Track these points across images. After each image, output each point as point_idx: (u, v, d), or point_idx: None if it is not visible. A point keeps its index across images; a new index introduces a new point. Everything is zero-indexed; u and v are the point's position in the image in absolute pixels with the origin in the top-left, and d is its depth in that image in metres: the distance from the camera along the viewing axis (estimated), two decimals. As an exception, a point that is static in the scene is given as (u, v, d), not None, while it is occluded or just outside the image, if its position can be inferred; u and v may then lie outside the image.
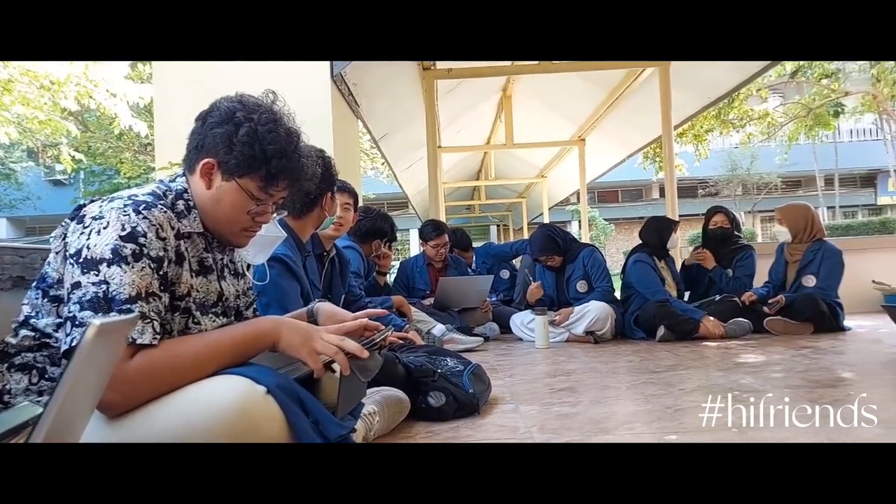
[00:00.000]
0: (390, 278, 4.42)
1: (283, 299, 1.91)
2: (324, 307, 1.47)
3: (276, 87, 1.30)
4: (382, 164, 12.95)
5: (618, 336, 3.74)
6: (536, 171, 10.88)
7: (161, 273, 1.11)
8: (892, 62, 11.12)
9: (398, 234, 3.73)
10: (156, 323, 1.08)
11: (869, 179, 23.76)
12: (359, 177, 5.09)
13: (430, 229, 4.17)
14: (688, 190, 21.44)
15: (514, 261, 5.21)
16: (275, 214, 1.32)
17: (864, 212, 23.53)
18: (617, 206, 24.67)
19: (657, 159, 11.57)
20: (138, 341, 1.04)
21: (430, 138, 5.40)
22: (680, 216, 4.95)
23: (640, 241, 4.03)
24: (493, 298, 4.66)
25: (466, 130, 8.54)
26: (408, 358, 1.94)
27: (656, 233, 3.97)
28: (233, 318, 1.32)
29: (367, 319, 1.33)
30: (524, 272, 4.57)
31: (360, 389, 1.37)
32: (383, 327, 1.32)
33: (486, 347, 3.56)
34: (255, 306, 1.45)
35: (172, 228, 1.15)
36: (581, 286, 3.88)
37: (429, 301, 3.95)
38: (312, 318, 1.45)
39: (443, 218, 5.53)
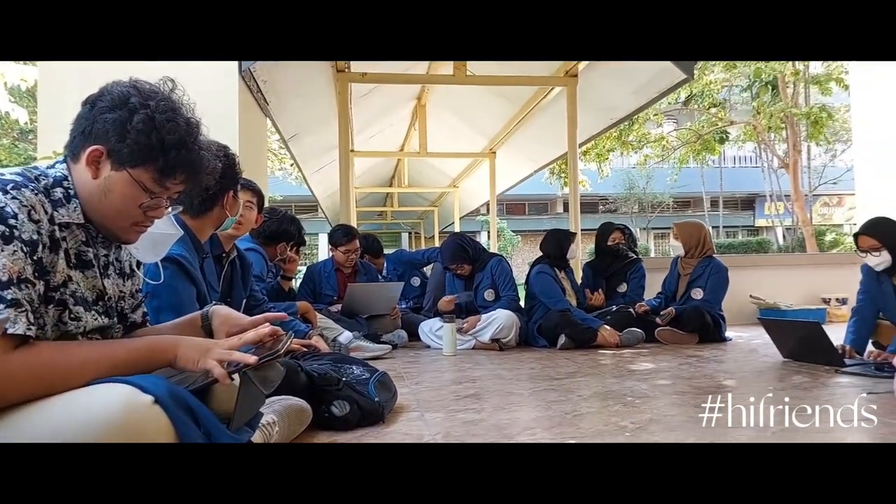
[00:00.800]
0: (296, 283, 4.29)
1: (176, 302, 1.79)
2: (219, 310, 1.38)
3: (177, 76, 1.21)
4: (291, 165, 12.60)
5: (521, 344, 3.84)
6: (449, 181, 11.01)
7: (35, 258, 1.01)
8: (769, 96, 12.30)
9: (306, 238, 3.63)
10: (29, 313, 0.98)
11: (749, 203, 26.05)
12: (265, 177, 4.92)
13: (341, 234, 4.09)
14: (590, 206, 22.50)
15: (425, 268, 5.22)
16: (169, 210, 1.24)
17: (744, 232, 25.77)
18: (524, 219, 25.46)
19: (563, 175, 12.09)
20: (10, 331, 0.94)
21: (342, 141, 5.32)
22: (582, 230, 5.17)
23: (542, 253, 4.16)
24: (404, 305, 4.64)
25: (380, 136, 8.50)
26: (311, 366, 1.88)
27: (556, 245, 4.12)
28: (115, 318, 1.22)
29: (268, 324, 1.27)
30: (436, 279, 4.58)
31: (257, 399, 1.30)
32: (283, 334, 1.26)
33: (394, 355, 3.53)
34: (144, 309, 1.34)
35: (46, 213, 1.05)
36: (489, 294, 3.96)
37: (336, 307, 3.86)
38: (207, 322, 1.36)
39: (354, 223, 5.45)
